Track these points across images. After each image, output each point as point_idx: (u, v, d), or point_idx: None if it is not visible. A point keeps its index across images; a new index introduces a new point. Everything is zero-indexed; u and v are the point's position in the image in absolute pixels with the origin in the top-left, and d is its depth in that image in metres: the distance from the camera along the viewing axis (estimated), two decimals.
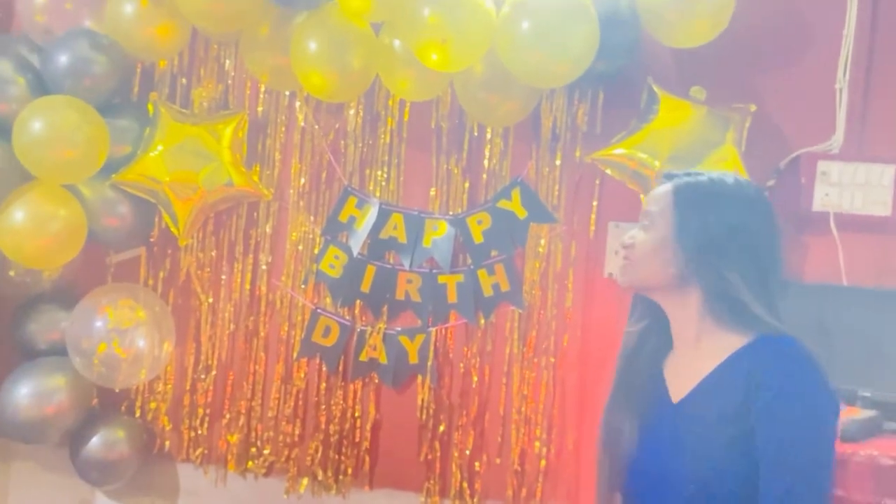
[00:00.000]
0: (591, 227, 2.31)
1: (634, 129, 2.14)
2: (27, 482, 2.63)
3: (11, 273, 2.36)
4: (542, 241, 2.35)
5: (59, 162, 2.18)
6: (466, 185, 2.39)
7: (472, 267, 2.37)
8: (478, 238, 2.37)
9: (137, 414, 2.54)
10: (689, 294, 1.26)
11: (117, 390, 2.49)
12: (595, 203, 2.31)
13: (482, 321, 2.38)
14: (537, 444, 2.34)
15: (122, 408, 2.54)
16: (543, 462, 2.33)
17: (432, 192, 2.41)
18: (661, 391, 1.31)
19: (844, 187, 2.11)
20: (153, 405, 2.54)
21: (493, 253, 2.37)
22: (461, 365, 2.40)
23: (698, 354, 1.26)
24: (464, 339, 2.40)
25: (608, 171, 2.20)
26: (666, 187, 1.29)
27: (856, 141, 2.14)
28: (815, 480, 1.15)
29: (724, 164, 2.05)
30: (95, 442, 2.42)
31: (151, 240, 2.53)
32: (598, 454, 1.35)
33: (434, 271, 2.39)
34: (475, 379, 2.39)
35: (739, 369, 1.20)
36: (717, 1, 2.02)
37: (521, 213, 2.35)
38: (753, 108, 2.12)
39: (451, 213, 2.39)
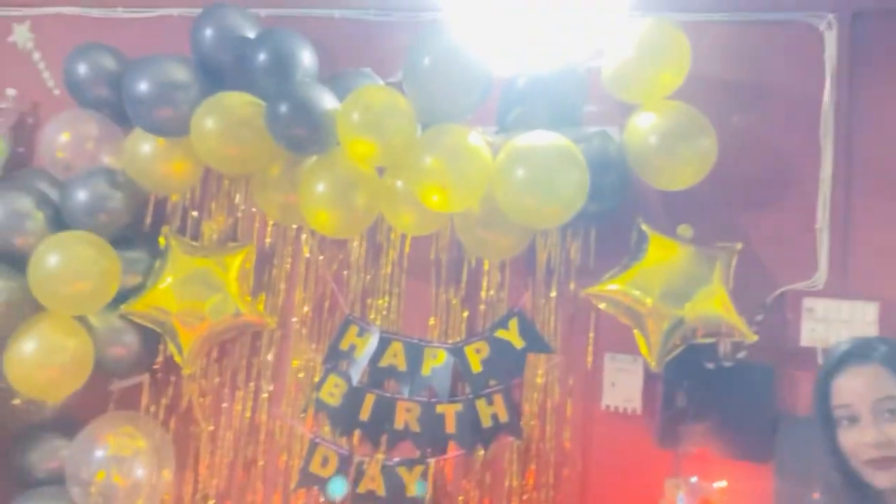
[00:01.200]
0: (588, 358, 2.37)
1: (626, 266, 2.23)
2: None
3: (16, 402, 2.39)
4: (540, 372, 2.39)
5: (73, 295, 2.25)
6: (465, 314, 2.46)
7: (470, 396, 2.40)
8: (476, 367, 2.42)
9: None
10: None
11: None
12: (591, 335, 2.37)
13: (480, 452, 2.39)
14: None
15: None
16: None
17: (431, 322, 2.47)
18: None
19: (830, 323, 2.18)
20: None
21: (492, 382, 2.41)
22: (460, 498, 2.39)
23: None
24: (462, 472, 2.40)
25: (602, 306, 2.27)
26: (875, 368, 1.25)
27: (839, 278, 2.22)
28: None
29: (713, 301, 2.12)
30: None
31: (155, 367, 2.57)
32: None
33: (433, 400, 2.42)
34: None
35: None
36: (700, 148, 2.16)
37: (519, 343, 2.40)
38: (739, 246, 2.22)
39: (449, 341, 2.45)
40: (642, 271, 2.19)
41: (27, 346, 2.24)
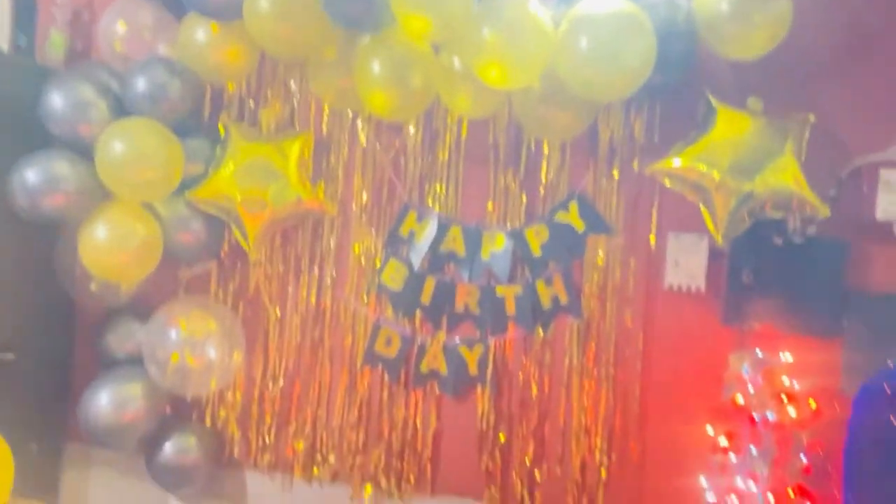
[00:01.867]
0: (652, 237, 2.33)
1: (692, 140, 2.16)
2: (105, 487, 2.76)
3: (93, 287, 2.50)
4: (601, 253, 2.37)
5: (139, 181, 2.30)
6: (524, 198, 2.44)
7: (530, 279, 2.41)
8: (536, 250, 2.41)
9: (208, 422, 2.65)
10: None
11: (189, 399, 2.60)
12: (654, 214, 2.33)
13: (541, 333, 2.41)
14: (598, 454, 2.36)
15: (194, 416, 2.65)
16: (604, 473, 2.35)
17: (490, 206, 2.46)
18: None
19: None
20: (223, 413, 2.64)
21: (552, 265, 2.41)
22: (520, 375, 2.44)
23: None
24: (522, 351, 2.44)
25: (667, 183, 2.22)
26: None
27: None
28: None
29: (784, 175, 2.05)
30: (169, 448, 2.53)
31: (222, 254, 2.64)
32: None
33: (492, 283, 2.44)
34: (534, 390, 2.42)
35: None
36: (775, 12, 2.03)
37: (580, 226, 2.38)
38: (812, 118, 2.12)
39: (509, 226, 2.44)
40: (710, 145, 2.11)
41: (99, 232, 2.31)
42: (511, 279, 2.42)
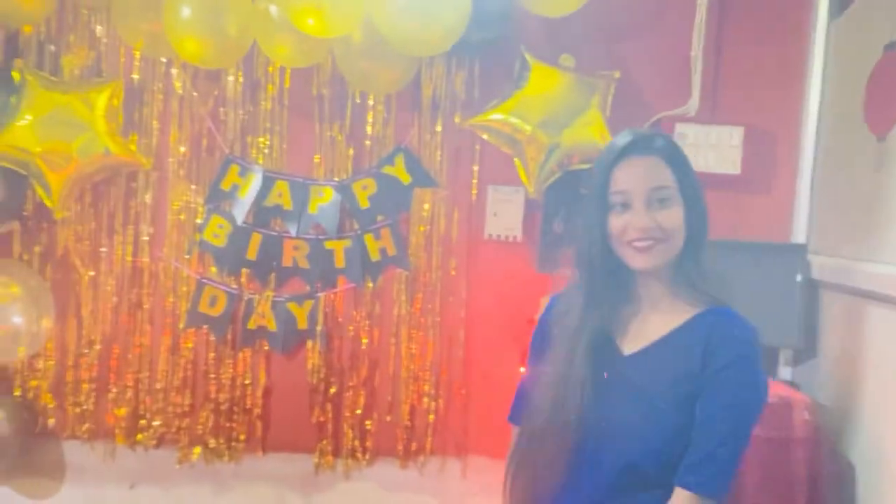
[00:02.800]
0: (473, 190, 2.41)
1: (507, 95, 2.24)
2: None
3: None
4: (426, 206, 2.42)
5: None
6: (350, 151, 2.43)
7: (358, 232, 2.42)
8: (364, 203, 2.42)
9: (17, 392, 2.46)
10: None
11: None
12: (475, 168, 2.40)
13: (370, 285, 2.44)
14: (426, 399, 2.44)
15: (2, 387, 2.46)
16: (432, 416, 2.43)
17: (316, 159, 2.43)
18: (610, 347, 1.33)
19: (700, 148, 2.28)
20: (34, 383, 2.47)
21: (380, 218, 2.43)
22: (350, 328, 2.46)
23: (654, 317, 1.32)
24: (352, 304, 2.45)
25: (485, 136, 2.29)
26: (654, 160, 1.29)
27: (709, 105, 2.31)
28: (735, 449, 1.24)
29: (590, 129, 2.17)
30: None
31: (25, 214, 2.44)
32: (533, 412, 1.35)
33: (321, 237, 2.43)
34: (364, 341, 2.45)
35: (696, 335, 1.27)
36: None
37: (406, 179, 2.41)
38: (617, 74, 2.25)
39: (336, 179, 2.43)
40: (523, 99, 2.20)
41: None
42: (340, 233, 2.42)
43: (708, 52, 2.32)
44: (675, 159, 1.31)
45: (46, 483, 2.52)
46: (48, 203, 2.31)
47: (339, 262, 2.44)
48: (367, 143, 2.43)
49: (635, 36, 2.35)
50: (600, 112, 2.20)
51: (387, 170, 2.42)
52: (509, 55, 2.29)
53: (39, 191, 2.31)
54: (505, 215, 2.39)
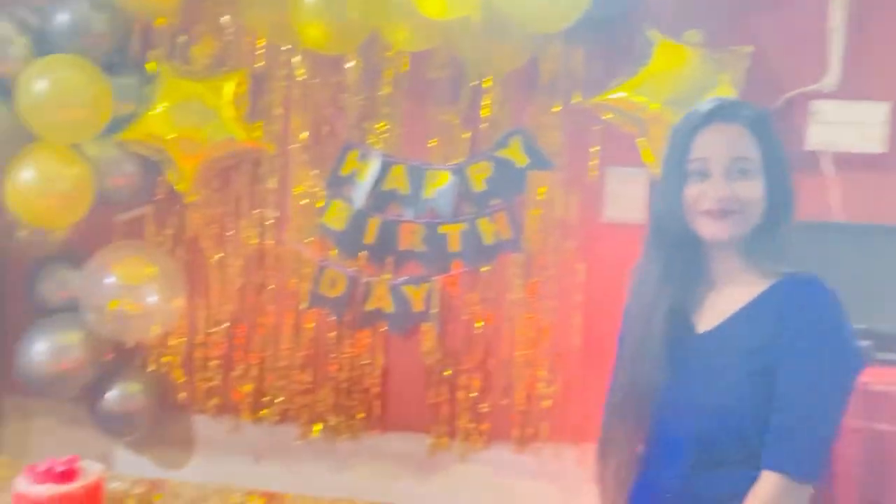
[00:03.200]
0: (592, 172, 2.35)
1: (631, 73, 2.17)
2: (48, 438, 2.71)
3: (22, 234, 2.40)
4: (543, 189, 2.39)
5: (64, 122, 2.20)
6: (466, 135, 2.42)
7: (473, 216, 2.42)
8: (479, 187, 2.41)
9: (152, 368, 2.61)
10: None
11: (131, 345, 2.56)
12: (594, 149, 2.34)
13: (484, 269, 2.43)
14: (541, 385, 2.42)
15: (137, 362, 2.61)
16: (548, 402, 2.41)
17: (432, 143, 2.44)
18: (685, 324, 1.28)
19: (838, 126, 2.14)
20: (166, 359, 2.61)
21: (495, 201, 2.41)
22: (465, 312, 2.46)
23: (728, 291, 1.26)
24: (467, 287, 2.46)
25: (607, 116, 2.23)
26: (738, 128, 1.22)
27: (849, 80, 2.17)
28: (822, 425, 1.16)
29: None
30: (112, 395, 2.49)
31: (157, 198, 2.56)
32: (614, 389, 1.33)
33: (436, 221, 2.44)
34: (479, 325, 2.45)
35: (771, 304, 1.21)
36: None
37: (522, 161, 2.38)
38: (749, 49, 2.14)
39: (451, 163, 2.43)
40: (649, 77, 2.13)
41: (25, 175, 2.21)
42: (455, 216, 2.42)
43: (848, 23, 2.16)
44: (763, 131, 1.22)
45: (178, 454, 2.66)
46: (179, 188, 2.42)
47: (454, 245, 2.44)
48: (483, 126, 2.41)
49: (768, 8, 2.22)
50: (731, 89, 2.09)
51: (502, 152, 2.40)
52: (630, 31, 2.22)
53: (171, 176, 2.42)
54: (625, 198, 2.32)
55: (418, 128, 2.45)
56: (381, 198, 2.46)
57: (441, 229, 2.43)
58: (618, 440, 1.31)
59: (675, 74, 2.12)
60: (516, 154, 2.38)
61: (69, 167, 2.27)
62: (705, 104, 1.26)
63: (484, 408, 2.46)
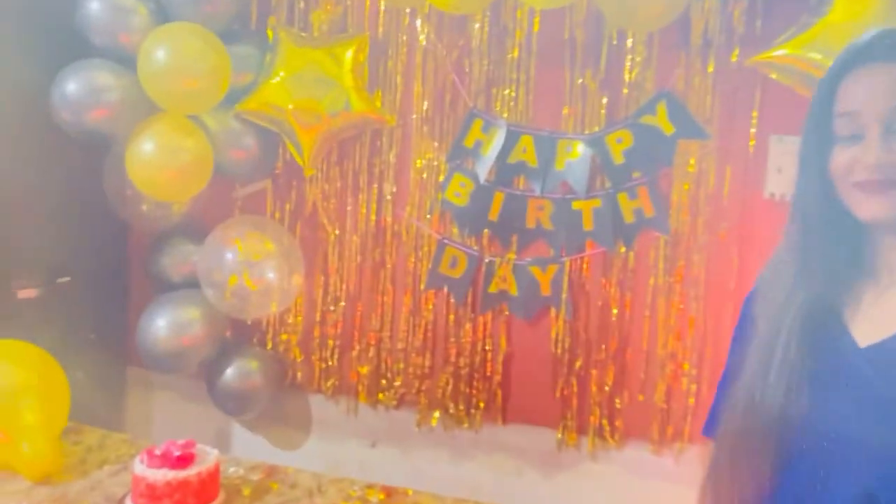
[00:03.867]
0: (751, 141, 2.06)
1: (804, 25, 1.86)
2: (169, 411, 2.73)
3: (144, 207, 2.38)
4: (692, 160, 2.12)
5: (184, 91, 2.13)
6: (604, 100, 2.18)
7: (611, 191, 2.18)
8: (618, 158, 2.17)
9: (269, 346, 2.55)
10: None
11: (249, 322, 2.51)
12: (755, 114, 2.05)
13: (622, 250, 2.20)
14: (685, 380, 2.17)
15: (255, 339, 2.56)
16: (692, 400, 2.16)
17: (565, 111, 2.22)
18: (840, 335, 1.00)
19: None
20: (284, 337, 2.54)
21: (636, 175, 2.17)
22: (599, 297, 2.24)
23: None
24: (601, 270, 2.23)
25: (773, 76, 1.93)
26: None
27: None
28: None
29: None
30: (230, 373, 2.45)
31: (276, 172, 2.49)
32: (728, 416, 1.02)
33: (568, 197, 2.22)
34: (615, 312, 2.22)
35: None
36: None
37: (668, 129, 2.12)
38: None
39: (586, 132, 2.20)
40: (827, 28, 1.81)
41: (146, 147, 2.16)
42: (589, 191, 2.20)
43: None
44: None
45: (294, 434, 2.60)
46: (299, 161, 2.32)
47: (588, 224, 2.22)
48: (625, 90, 2.16)
49: None
50: None
51: (646, 119, 2.14)
52: None
53: (291, 148, 2.33)
54: (791, 171, 2.01)
55: (550, 94, 2.23)
56: (507, 171, 2.27)
57: (574, 205, 2.21)
58: (733, 485, 0.99)
59: (860, 25, 1.79)
60: (662, 121, 2.12)
61: (189, 139, 2.21)
62: (860, 38, 0.96)
63: (618, 403, 2.24)
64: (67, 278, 2.42)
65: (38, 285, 2.32)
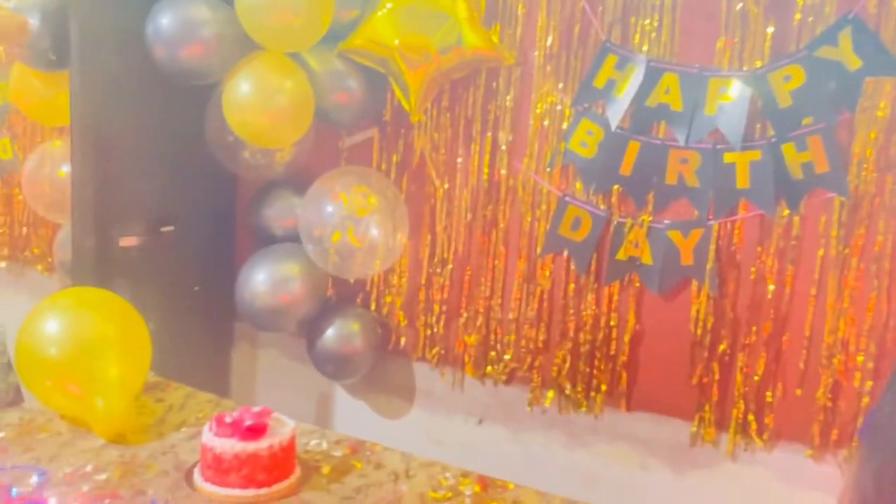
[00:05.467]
0: None
1: None
2: (272, 369, 2.63)
3: (246, 154, 2.25)
4: (882, 103, 1.69)
5: (282, 26, 1.95)
6: (770, 29, 1.78)
7: (773, 140, 1.79)
8: (784, 101, 1.78)
9: (372, 307, 2.37)
10: None
11: (351, 281, 2.34)
12: None
13: (785, 213, 1.81)
14: (858, 375, 1.76)
15: (357, 300, 2.39)
16: (866, 399, 1.76)
17: (720, 43, 1.83)
18: None
19: None
20: (388, 299, 2.35)
21: (806, 121, 1.76)
22: (752, 269, 1.86)
23: None
24: (757, 237, 1.85)
25: None
26: None
27: None
28: None
29: None
30: (330, 334, 2.30)
31: (384, 119, 2.27)
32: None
33: (719, 147, 1.85)
34: (771, 288, 1.85)
35: None
36: None
37: (853, 64, 1.70)
38: None
39: (745, 68, 1.81)
40: None
41: (243, 88, 2.01)
42: (746, 141, 1.81)
43: None
44: None
45: (397, 403, 2.43)
46: (405, 105, 2.09)
47: (743, 180, 1.84)
48: (796, 15, 1.75)
49: None
50: None
51: (823, 52, 1.73)
52: None
53: (397, 91, 2.10)
54: None
55: (701, 22, 1.85)
56: (644, 116, 1.93)
57: (726, 158, 1.84)
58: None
59: None
60: (846, 53, 1.70)
61: (288, 80, 2.03)
62: None
63: (769, 397, 1.87)
64: (171, 228, 2.34)
65: (140, 234, 2.25)
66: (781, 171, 1.79)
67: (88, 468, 1.41)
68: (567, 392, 2.10)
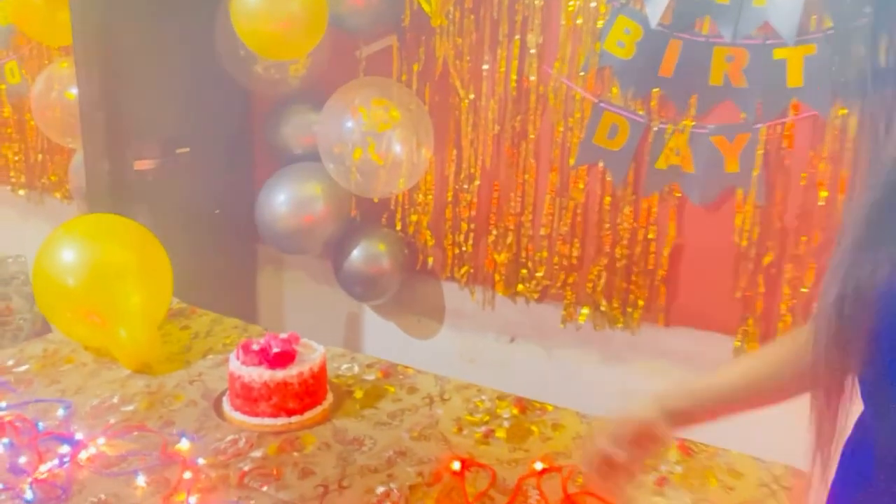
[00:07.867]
0: None
1: None
2: (298, 290, 2.59)
3: (258, 69, 2.13)
4: None
5: None
6: None
7: (832, 32, 1.63)
8: None
9: (398, 227, 2.29)
10: None
11: (376, 201, 2.25)
12: None
13: (841, 113, 1.66)
14: None
15: (383, 220, 2.31)
16: None
17: None
18: None
19: None
20: (414, 218, 2.27)
21: (869, 9, 1.59)
22: (803, 175, 1.74)
23: None
24: (810, 141, 1.72)
25: None
26: None
27: None
28: None
29: None
30: (356, 255, 2.24)
31: (403, 26, 2.12)
32: (826, 314, 0.74)
33: (769, 43, 1.69)
34: (823, 195, 1.72)
35: None
36: None
37: None
38: None
39: None
40: None
41: None
42: (801, 35, 1.65)
43: None
44: None
45: (427, 323, 2.38)
46: (425, 7, 1.94)
47: (796, 78, 1.69)
48: None
49: None
50: None
51: None
52: None
53: None
54: None
55: None
56: (687, 11, 1.76)
57: (776, 54, 1.69)
58: (823, 360, 0.75)
59: None
60: None
61: None
62: None
63: None
64: (187, 149, 2.25)
65: (155, 156, 2.16)
66: (843, 66, 1.63)
67: (115, 399, 1.38)
68: (602, 308, 2.03)
